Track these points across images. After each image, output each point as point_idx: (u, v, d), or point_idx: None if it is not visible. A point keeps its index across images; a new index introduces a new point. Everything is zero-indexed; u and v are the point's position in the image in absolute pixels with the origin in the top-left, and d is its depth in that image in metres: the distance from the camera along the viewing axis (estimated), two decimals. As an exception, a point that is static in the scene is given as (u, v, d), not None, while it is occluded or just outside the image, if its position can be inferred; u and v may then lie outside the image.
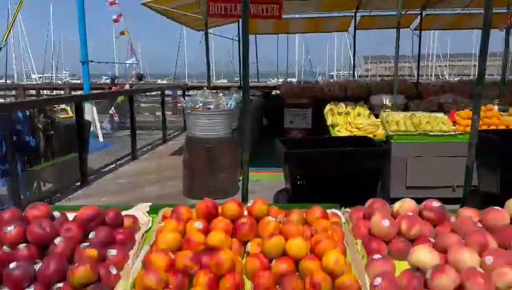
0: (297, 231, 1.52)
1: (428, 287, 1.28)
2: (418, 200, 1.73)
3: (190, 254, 1.40)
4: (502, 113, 4.74)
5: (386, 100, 6.48)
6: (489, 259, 1.31)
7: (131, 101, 7.43)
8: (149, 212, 1.86)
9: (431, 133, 4.42)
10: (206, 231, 1.53)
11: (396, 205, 1.72)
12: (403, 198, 1.75)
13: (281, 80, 11.68)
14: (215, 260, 1.37)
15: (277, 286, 1.36)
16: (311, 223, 1.62)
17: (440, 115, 4.81)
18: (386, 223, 1.56)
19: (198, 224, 1.55)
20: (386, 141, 4.42)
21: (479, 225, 1.55)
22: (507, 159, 2.49)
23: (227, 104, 4.80)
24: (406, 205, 1.70)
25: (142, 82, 11.13)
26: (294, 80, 12.14)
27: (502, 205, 1.65)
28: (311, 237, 1.53)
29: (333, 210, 1.80)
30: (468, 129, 4.42)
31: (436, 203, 1.66)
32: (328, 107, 5.40)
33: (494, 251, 1.35)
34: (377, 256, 1.45)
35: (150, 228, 1.74)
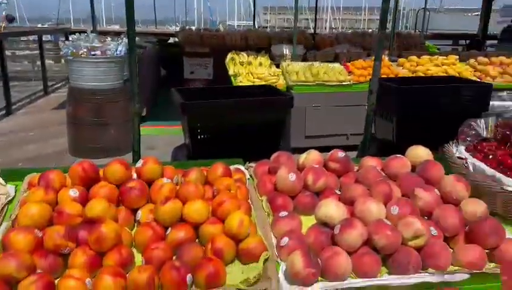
0: (197, 192, 1.33)
1: (336, 243, 1.21)
2: (317, 149, 1.66)
3: (62, 230, 1.13)
4: (392, 63, 5.01)
5: (286, 50, 6.45)
6: (394, 209, 1.28)
7: (1, 46, 6.34)
8: (11, 179, 1.50)
9: (328, 83, 4.52)
10: (83, 200, 1.26)
11: (302, 157, 1.63)
12: (302, 148, 1.67)
13: (179, 28, 10.93)
14: (96, 234, 1.13)
15: (174, 258, 1.18)
16: (213, 182, 1.45)
17: (337, 65, 4.92)
18: (293, 177, 1.46)
19: (74, 192, 1.27)
20: (287, 91, 4.40)
21: (383, 174, 1.53)
22: (403, 107, 2.57)
23: (116, 51, 4.26)
24: (311, 157, 1.62)
25: (13, 25, 9.47)
26: (193, 27, 11.48)
27: (398, 152, 1.66)
28: (213, 198, 1.37)
29: (237, 166, 1.66)
30: (362, 79, 4.65)
31: (341, 154, 1.60)
32: (229, 56, 5.16)
33: (398, 200, 1.33)
34: (282, 213, 1.37)
35: (12, 199, 1.41)
